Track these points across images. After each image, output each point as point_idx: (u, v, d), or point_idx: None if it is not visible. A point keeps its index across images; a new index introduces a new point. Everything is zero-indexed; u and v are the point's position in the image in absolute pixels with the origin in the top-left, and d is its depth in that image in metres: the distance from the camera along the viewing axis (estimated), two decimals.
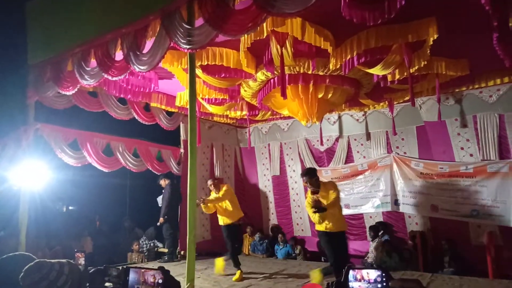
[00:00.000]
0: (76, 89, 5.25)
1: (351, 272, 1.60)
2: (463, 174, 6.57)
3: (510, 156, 6.23)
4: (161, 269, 1.61)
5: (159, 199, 7.80)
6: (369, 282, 1.57)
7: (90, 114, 6.53)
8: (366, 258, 7.33)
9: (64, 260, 1.89)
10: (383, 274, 1.58)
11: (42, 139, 5.97)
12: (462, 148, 6.74)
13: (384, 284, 1.56)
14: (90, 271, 2.14)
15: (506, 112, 6.27)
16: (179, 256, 7.29)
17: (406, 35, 4.30)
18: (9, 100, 5.91)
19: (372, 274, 1.59)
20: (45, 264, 1.83)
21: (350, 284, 1.57)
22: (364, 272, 1.60)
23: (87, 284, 2.01)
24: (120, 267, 2.01)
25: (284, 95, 4.48)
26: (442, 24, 4.17)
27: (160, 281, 1.61)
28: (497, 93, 6.31)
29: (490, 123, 6.40)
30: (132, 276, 1.67)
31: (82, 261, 3.36)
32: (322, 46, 4.44)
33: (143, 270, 1.66)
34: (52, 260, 1.87)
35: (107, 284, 2.13)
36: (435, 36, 4.18)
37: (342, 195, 7.88)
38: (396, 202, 7.27)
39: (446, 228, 6.83)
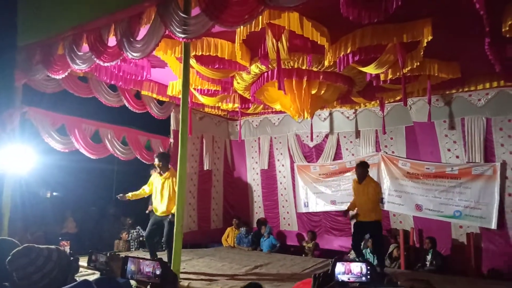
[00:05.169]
0: (66, 74, 5.16)
1: (338, 264, 1.64)
2: (448, 175, 6.70)
3: (494, 160, 6.36)
4: (159, 260, 1.61)
5: None
6: (354, 275, 1.62)
7: (80, 99, 6.41)
8: (349, 254, 7.43)
9: (53, 246, 1.85)
10: (368, 267, 1.63)
11: (29, 122, 5.84)
12: (449, 150, 6.86)
13: (369, 277, 1.61)
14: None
15: (493, 116, 6.38)
16: (163, 245, 7.25)
17: (401, 35, 4.33)
18: None
19: (357, 267, 1.63)
20: (33, 249, 1.78)
21: (338, 276, 1.61)
22: (351, 265, 1.64)
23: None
24: (108, 254, 1.98)
25: (282, 88, 4.48)
26: (436, 26, 4.21)
27: (158, 272, 1.60)
28: (486, 97, 6.41)
29: (477, 126, 6.51)
30: (128, 265, 1.66)
31: (67, 249, 3.31)
32: (319, 42, 4.44)
33: (140, 260, 1.64)
34: (41, 246, 1.83)
35: (89, 271, 2.08)
36: (430, 38, 4.21)
37: (329, 191, 8.05)
38: (381, 200, 7.35)
39: (429, 227, 6.97)
